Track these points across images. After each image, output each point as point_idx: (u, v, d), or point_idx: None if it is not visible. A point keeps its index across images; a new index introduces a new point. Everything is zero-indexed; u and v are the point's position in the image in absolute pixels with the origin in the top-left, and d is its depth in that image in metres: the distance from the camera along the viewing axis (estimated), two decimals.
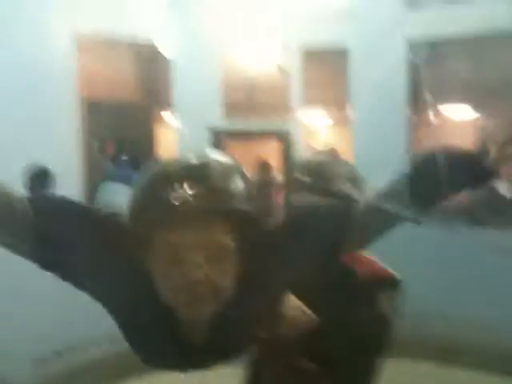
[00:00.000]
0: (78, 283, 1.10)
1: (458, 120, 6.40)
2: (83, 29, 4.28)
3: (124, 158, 5.62)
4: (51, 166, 3.81)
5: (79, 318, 3.88)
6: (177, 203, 0.92)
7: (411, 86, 4.89)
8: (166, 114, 6.58)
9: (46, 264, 1.07)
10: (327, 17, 5.01)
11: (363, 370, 1.40)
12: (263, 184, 6.82)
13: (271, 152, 6.34)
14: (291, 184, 1.55)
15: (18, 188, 3.27)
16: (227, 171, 1.00)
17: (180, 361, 1.13)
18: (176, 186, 0.93)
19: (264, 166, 6.81)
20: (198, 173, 0.96)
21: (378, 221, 1.11)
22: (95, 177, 5.17)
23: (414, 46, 4.84)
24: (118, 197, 3.21)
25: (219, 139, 5.03)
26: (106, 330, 4.12)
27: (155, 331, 1.08)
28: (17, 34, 3.90)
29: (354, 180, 1.53)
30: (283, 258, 1.08)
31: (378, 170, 1.56)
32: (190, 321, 1.01)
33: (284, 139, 5.17)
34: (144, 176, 1.01)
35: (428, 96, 4.94)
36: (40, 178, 3.77)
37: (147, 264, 1.00)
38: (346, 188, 1.48)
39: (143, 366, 1.16)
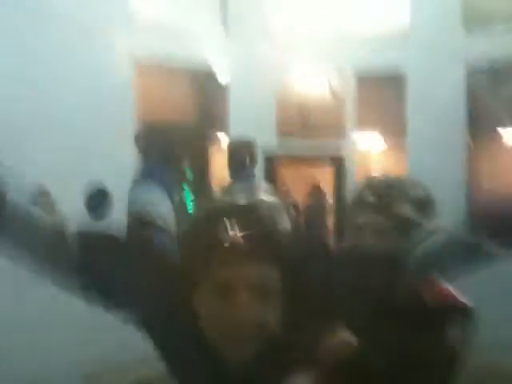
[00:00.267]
0: (121, 313, 1.14)
1: None
2: (142, 54, 4.41)
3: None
4: (110, 187, 3.89)
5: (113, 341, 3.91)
6: (227, 243, 0.94)
7: (470, 112, 4.78)
8: (220, 138, 6.66)
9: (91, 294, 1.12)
10: (383, 40, 4.99)
11: None
12: (315, 209, 6.77)
13: (324, 176, 6.30)
14: (353, 204, 1.50)
15: (77, 207, 3.33)
16: (275, 212, 1.02)
17: None
18: (227, 226, 0.95)
19: (316, 191, 6.77)
20: (249, 214, 0.98)
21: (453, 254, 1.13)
22: None
23: (473, 71, 4.75)
24: (149, 197, 3.16)
25: (272, 163, 5.05)
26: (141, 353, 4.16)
27: (196, 366, 1.08)
28: (80, 60, 4.06)
29: (422, 203, 1.48)
30: (331, 295, 1.10)
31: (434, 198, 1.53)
32: (233, 360, 1.00)
33: (337, 164, 5.13)
34: (196, 213, 1.07)
35: (488, 122, 4.81)
36: (98, 198, 3.85)
37: (194, 301, 1.01)
38: (408, 210, 1.44)
39: None
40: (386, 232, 1.38)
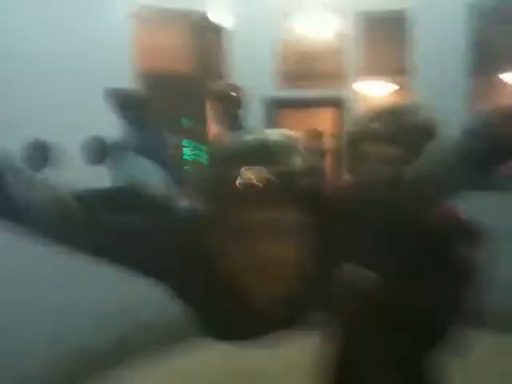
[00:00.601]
0: (135, 268, 1.12)
1: None
2: (140, 4, 4.33)
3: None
4: (108, 139, 3.87)
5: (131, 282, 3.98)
6: (244, 183, 0.93)
7: (474, 50, 4.68)
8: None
9: (101, 253, 1.10)
10: None
11: (440, 334, 1.34)
12: (315, 152, 6.76)
13: (326, 121, 6.25)
14: (361, 135, 1.44)
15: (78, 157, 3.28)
16: (288, 149, 0.99)
17: (246, 329, 1.14)
18: (243, 166, 0.94)
19: (315, 135, 6.73)
20: (263, 153, 0.97)
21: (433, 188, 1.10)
22: None
23: (478, 10, 4.62)
24: (143, 173, 3.06)
25: (273, 109, 5.00)
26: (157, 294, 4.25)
27: (219, 302, 1.09)
28: (74, 7, 3.98)
29: (428, 126, 1.44)
30: (348, 229, 1.07)
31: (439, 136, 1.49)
32: (262, 298, 1.02)
33: (340, 107, 5.07)
34: (210, 157, 1.03)
35: (491, 60, 4.72)
36: (99, 149, 3.84)
37: (215, 248, 1.00)
38: (416, 137, 1.39)
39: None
40: (396, 161, 1.36)
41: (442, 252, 1.27)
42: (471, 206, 1.34)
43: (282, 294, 1.01)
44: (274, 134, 1.03)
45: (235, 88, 3.42)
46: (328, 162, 6.17)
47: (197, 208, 1.04)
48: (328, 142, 6.39)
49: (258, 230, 0.93)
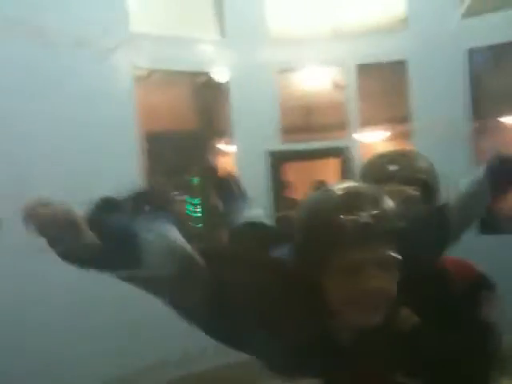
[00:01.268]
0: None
1: None
2: (140, 61, 4.43)
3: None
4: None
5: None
6: (363, 224, 1.05)
7: (474, 95, 4.75)
8: (224, 141, 6.66)
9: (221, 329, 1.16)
10: (382, 31, 4.98)
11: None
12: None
13: (330, 170, 6.29)
14: (376, 175, 1.47)
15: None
16: (382, 194, 1.15)
17: (325, 365, 1.24)
18: (360, 209, 1.07)
19: (320, 185, 6.74)
20: (372, 197, 1.10)
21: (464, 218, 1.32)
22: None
23: (474, 54, 4.73)
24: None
25: (277, 162, 5.05)
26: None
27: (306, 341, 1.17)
28: (79, 69, 4.09)
29: (434, 174, 1.49)
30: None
31: (441, 183, 1.54)
32: (361, 325, 1.13)
33: (342, 156, 5.11)
34: (318, 203, 1.14)
35: (491, 104, 4.78)
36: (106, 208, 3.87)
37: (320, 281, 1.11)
38: (425, 177, 1.44)
39: None
40: (411, 199, 1.40)
41: (467, 302, 1.30)
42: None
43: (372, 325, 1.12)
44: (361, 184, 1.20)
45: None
46: None
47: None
48: None
49: (368, 265, 1.06)
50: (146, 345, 4.13)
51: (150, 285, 1.06)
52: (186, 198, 6.01)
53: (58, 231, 0.92)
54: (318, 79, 5.90)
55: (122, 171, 4.21)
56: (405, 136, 5.57)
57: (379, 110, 6.43)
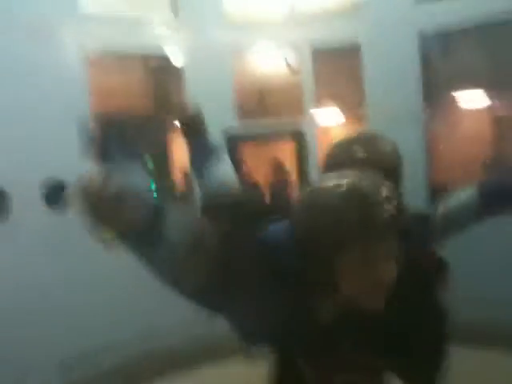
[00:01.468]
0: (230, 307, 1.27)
1: (473, 109, 6.32)
2: (93, 46, 4.32)
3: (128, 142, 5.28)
4: (65, 177, 3.85)
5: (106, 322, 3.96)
6: (387, 218, 1.12)
7: (425, 79, 4.84)
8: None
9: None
10: (335, 13, 4.99)
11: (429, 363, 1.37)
12: (279, 186, 6.80)
13: (286, 153, 6.31)
14: (343, 160, 1.47)
15: (35, 201, 3.32)
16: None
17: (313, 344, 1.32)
18: (381, 204, 1.13)
19: (279, 168, 6.78)
20: (391, 192, 1.17)
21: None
22: None
23: (425, 38, 4.80)
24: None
25: (233, 143, 5.02)
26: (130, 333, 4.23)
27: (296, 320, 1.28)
28: (29, 52, 3.95)
29: (399, 159, 1.51)
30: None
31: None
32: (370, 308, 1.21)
33: (298, 140, 5.13)
34: (335, 198, 1.17)
35: (443, 86, 4.88)
36: (57, 191, 3.80)
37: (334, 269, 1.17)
38: (395, 164, 1.46)
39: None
40: None
41: (430, 290, 1.35)
42: None
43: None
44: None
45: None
46: (291, 193, 6.21)
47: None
48: (290, 174, 6.44)
49: (382, 257, 1.15)
50: (106, 323, 4.11)
51: (167, 259, 1.13)
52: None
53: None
54: (273, 62, 5.90)
55: (75, 154, 4.11)
56: (359, 119, 5.64)
57: (334, 93, 6.49)
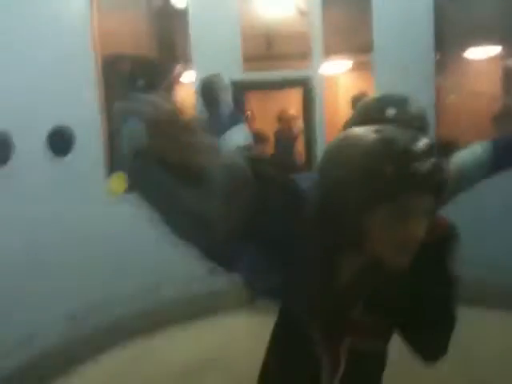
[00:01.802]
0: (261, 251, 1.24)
1: (485, 61, 6.20)
2: None
3: (140, 82, 5.16)
4: (71, 123, 3.82)
5: (106, 278, 4.03)
6: (424, 172, 1.09)
7: (436, 26, 4.72)
8: (184, 68, 6.49)
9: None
10: None
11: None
12: (286, 133, 6.76)
13: (292, 101, 6.24)
14: (374, 118, 1.40)
15: (40, 147, 3.31)
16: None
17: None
18: (419, 158, 1.09)
19: (285, 115, 6.72)
20: (429, 149, 1.13)
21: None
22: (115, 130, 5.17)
23: None
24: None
25: (239, 91, 4.96)
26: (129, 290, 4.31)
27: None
28: None
29: (426, 122, 1.48)
30: None
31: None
32: (397, 266, 1.19)
33: (305, 88, 5.06)
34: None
35: (454, 36, 4.77)
36: (60, 137, 3.79)
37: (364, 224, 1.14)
38: (423, 125, 1.43)
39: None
40: None
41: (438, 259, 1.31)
42: None
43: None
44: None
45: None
46: (300, 145, 6.17)
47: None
48: (299, 124, 6.39)
49: (414, 213, 1.12)
50: (110, 276, 4.17)
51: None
52: None
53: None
54: (281, 6, 5.74)
55: (79, 100, 4.08)
56: (367, 67, 5.54)
57: (342, 40, 6.35)
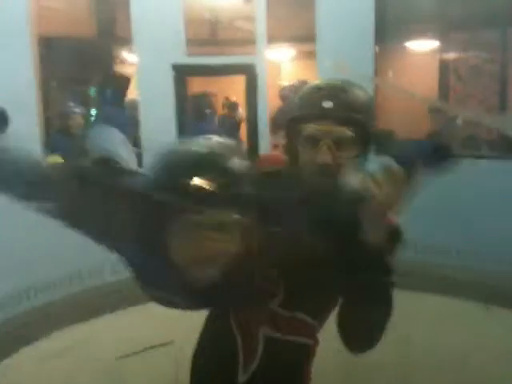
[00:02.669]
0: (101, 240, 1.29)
1: (422, 52, 6.39)
2: None
3: (109, 91, 5.36)
4: (6, 106, 3.69)
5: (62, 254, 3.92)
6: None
7: (377, 18, 4.82)
8: (126, 50, 6.37)
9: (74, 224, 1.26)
10: None
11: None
12: (229, 120, 6.76)
13: (235, 87, 6.23)
14: (309, 112, 1.35)
15: None
16: (229, 156, 1.16)
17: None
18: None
19: (229, 104, 6.73)
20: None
21: None
22: (51, 116, 5.05)
23: None
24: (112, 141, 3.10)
25: (182, 75, 4.91)
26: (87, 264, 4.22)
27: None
28: None
29: (371, 112, 1.38)
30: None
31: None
32: None
33: (248, 74, 5.06)
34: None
35: (394, 28, 4.90)
36: None
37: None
38: (366, 118, 1.34)
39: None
40: (343, 140, 1.32)
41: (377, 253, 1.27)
42: None
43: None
44: (213, 142, 1.22)
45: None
46: (242, 133, 6.18)
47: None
48: (241, 111, 6.40)
49: (201, 227, 1.12)
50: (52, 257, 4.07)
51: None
52: (90, 111, 5.79)
53: None
54: None
55: (15, 79, 3.92)
56: (310, 55, 5.60)
57: (286, 27, 6.39)
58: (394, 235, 1.31)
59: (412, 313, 3.59)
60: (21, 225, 3.64)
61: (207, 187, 1.10)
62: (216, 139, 1.22)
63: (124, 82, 5.47)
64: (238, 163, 1.16)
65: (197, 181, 1.11)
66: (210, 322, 1.59)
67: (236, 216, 1.14)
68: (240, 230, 1.16)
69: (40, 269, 4.05)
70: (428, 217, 4.25)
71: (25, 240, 3.83)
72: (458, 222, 4.51)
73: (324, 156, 1.31)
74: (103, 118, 5.13)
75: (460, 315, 3.98)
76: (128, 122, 4.97)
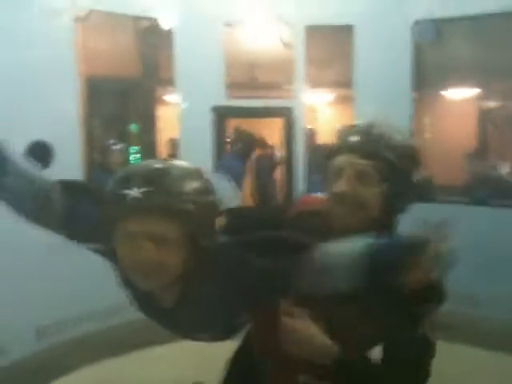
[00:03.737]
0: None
1: (461, 100, 6.38)
2: (82, 2, 4.24)
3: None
4: (52, 141, 3.82)
5: (79, 292, 3.96)
6: (130, 200, 1.15)
7: (415, 65, 4.85)
8: (168, 91, 6.53)
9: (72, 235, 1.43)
10: None
11: None
12: (265, 161, 6.82)
13: (273, 130, 6.30)
14: (338, 145, 1.40)
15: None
16: (182, 175, 1.23)
17: (159, 321, 1.47)
18: (131, 186, 1.17)
19: (264, 146, 6.80)
20: (150, 176, 1.19)
21: None
22: (95, 154, 5.19)
23: (417, 25, 4.80)
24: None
25: (222, 118, 5.01)
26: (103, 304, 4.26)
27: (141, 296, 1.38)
28: (17, 9, 3.86)
29: (405, 153, 1.36)
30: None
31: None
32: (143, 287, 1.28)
33: (286, 117, 5.14)
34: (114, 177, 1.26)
35: (432, 76, 4.90)
36: (39, 151, 3.78)
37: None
38: (393, 157, 1.33)
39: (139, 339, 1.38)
40: (362, 174, 1.33)
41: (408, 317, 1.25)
42: None
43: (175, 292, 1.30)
44: (179, 162, 1.31)
45: None
46: (278, 174, 6.22)
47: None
48: (278, 153, 6.47)
49: (139, 237, 1.17)
50: (87, 289, 4.06)
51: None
52: (130, 148, 5.94)
53: None
54: (266, 36, 5.84)
55: (60, 116, 4.07)
56: (347, 100, 5.65)
57: (324, 72, 6.48)
58: (434, 293, 1.27)
59: None
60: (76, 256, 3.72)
61: (134, 195, 1.15)
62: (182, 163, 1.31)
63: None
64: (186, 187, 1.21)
65: (134, 190, 1.15)
66: (237, 362, 1.62)
67: (175, 227, 1.17)
68: (182, 244, 1.19)
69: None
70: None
71: (76, 268, 3.92)
72: None
73: (340, 184, 1.33)
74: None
75: None
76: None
